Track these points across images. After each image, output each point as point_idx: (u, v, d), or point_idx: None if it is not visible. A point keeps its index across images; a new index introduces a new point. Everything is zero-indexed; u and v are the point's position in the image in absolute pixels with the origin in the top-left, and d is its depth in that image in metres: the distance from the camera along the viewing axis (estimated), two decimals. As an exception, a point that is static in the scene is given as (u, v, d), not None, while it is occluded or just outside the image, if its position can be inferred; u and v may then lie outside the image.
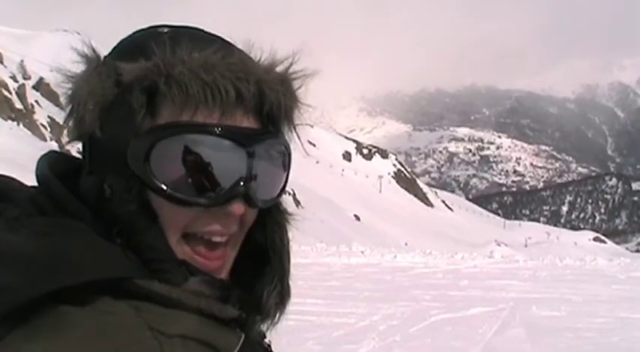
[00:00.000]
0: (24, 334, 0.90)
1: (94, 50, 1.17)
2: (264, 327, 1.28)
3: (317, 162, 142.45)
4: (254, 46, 1.19)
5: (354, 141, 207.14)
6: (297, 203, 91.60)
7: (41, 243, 0.97)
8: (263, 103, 1.14)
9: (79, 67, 1.16)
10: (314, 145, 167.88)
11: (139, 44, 1.15)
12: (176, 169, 1.09)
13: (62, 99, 1.17)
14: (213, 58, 1.10)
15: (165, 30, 1.17)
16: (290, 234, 1.32)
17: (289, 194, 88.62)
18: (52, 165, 1.18)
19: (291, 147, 1.23)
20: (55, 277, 0.92)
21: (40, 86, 73.20)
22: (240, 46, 1.19)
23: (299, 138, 1.23)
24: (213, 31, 1.22)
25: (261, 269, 1.27)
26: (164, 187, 1.08)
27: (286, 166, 1.23)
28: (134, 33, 1.21)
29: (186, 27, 1.20)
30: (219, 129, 1.09)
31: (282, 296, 1.28)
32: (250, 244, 1.26)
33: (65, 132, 1.17)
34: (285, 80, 1.18)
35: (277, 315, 1.28)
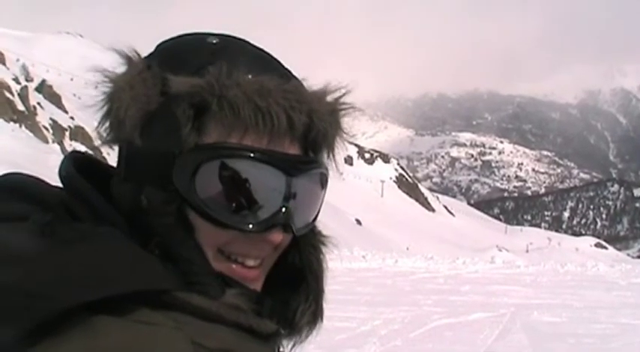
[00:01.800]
0: (57, 342, 0.88)
1: (137, 53, 1.15)
2: (290, 344, 1.28)
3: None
4: (306, 78, 1.19)
5: (356, 145, 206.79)
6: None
7: (78, 251, 0.95)
8: (310, 131, 1.14)
9: (118, 69, 1.14)
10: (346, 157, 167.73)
11: (190, 54, 1.13)
12: (221, 191, 1.08)
13: (96, 98, 1.13)
14: (270, 83, 1.09)
15: (215, 41, 1.15)
16: (327, 257, 1.34)
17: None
18: (79, 166, 1.17)
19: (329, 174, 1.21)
20: (94, 287, 0.91)
21: (43, 88, 73.32)
22: (292, 71, 1.19)
23: (336, 165, 1.23)
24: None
25: (296, 287, 1.28)
26: (206, 208, 1.07)
27: (323, 193, 1.24)
28: (179, 38, 1.19)
29: (234, 38, 1.19)
30: (267, 154, 1.08)
31: (315, 316, 1.29)
32: (285, 263, 1.25)
33: (95, 134, 1.13)
34: (334, 111, 1.18)
35: (306, 334, 1.28)
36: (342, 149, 1.23)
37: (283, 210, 1.12)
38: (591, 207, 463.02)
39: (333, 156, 1.23)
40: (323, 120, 1.15)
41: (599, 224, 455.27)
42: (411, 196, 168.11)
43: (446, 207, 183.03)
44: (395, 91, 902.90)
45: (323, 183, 1.22)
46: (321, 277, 1.32)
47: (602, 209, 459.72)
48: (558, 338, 12.01)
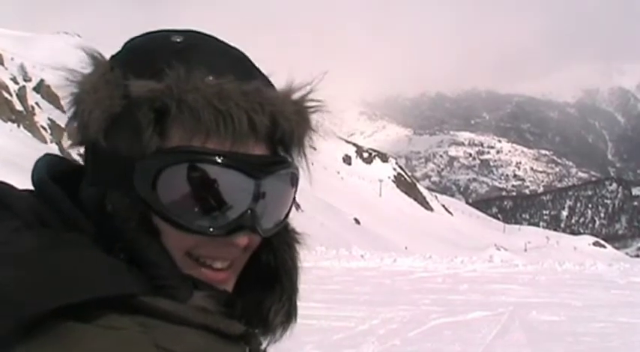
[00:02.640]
0: (27, 349, 0.89)
1: (101, 54, 1.14)
2: (264, 342, 1.27)
3: (317, 166, 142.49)
4: (273, 73, 1.18)
5: (355, 144, 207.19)
6: (297, 206, 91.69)
7: (45, 257, 0.95)
8: (276, 132, 1.13)
9: (84, 69, 1.13)
10: (314, 149, 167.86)
11: (151, 56, 1.11)
12: (183, 196, 1.07)
13: (63, 101, 1.13)
14: (229, 86, 1.07)
15: (179, 39, 1.13)
16: (301, 254, 1.31)
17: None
18: (50, 169, 1.16)
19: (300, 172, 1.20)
20: (61, 293, 0.91)
21: (41, 88, 73.44)
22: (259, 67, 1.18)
23: (307, 163, 1.22)
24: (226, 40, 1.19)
25: (269, 286, 1.27)
26: (169, 213, 1.06)
27: (294, 191, 1.22)
28: (144, 37, 1.18)
29: (200, 35, 1.18)
30: (230, 158, 1.07)
31: (289, 315, 1.28)
32: (259, 262, 1.24)
33: (66, 134, 1.10)
34: (300, 110, 1.16)
35: (280, 333, 1.28)
36: (315, 145, 1.22)
37: (249, 212, 1.10)
38: (589, 205, 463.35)
39: (304, 154, 1.21)
40: (288, 120, 1.13)
41: (597, 223, 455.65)
42: (409, 195, 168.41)
43: (444, 207, 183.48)
44: (393, 90, 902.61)
45: (293, 182, 1.21)
46: (295, 276, 1.29)
47: (600, 208, 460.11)
48: (557, 337, 12.02)
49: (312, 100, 1.19)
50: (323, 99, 1.18)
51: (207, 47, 1.14)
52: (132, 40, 1.17)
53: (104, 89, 1.08)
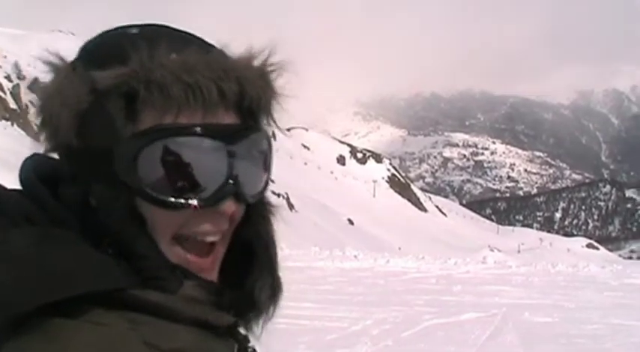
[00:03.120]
0: (14, 347, 0.90)
1: (61, 58, 1.15)
2: (259, 324, 1.26)
3: (311, 166, 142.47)
4: (228, 45, 1.18)
5: (349, 145, 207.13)
6: (291, 207, 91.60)
7: (32, 254, 0.95)
8: (243, 99, 1.14)
9: (47, 77, 1.13)
10: (308, 149, 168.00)
11: (111, 48, 1.12)
12: (165, 173, 1.08)
13: (34, 115, 1.12)
14: (192, 58, 1.09)
15: (135, 31, 1.15)
16: (275, 226, 1.30)
17: (283, 197, 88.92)
18: (38, 168, 1.16)
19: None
20: (48, 289, 0.91)
21: (35, 86, 73.21)
22: (214, 44, 1.19)
23: (275, 130, 1.23)
24: (186, 29, 1.21)
25: (249, 266, 1.26)
26: (154, 193, 1.07)
27: (268, 159, 1.22)
28: (100, 35, 1.18)
29: (154, 25, 1.19)
30: (205, 129, 1.09)
31: (274, 288, 1.27)
32: (236, 240, 1.24)
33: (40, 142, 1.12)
34: (263, 74, 1.17)
35: (271, 309, 1.27)
36: (280, 112, 1.22)
37: (230, 180, 1.12)
38: (583, 207, 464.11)
39: (273, 120, 1.22)
40: (254, 85, 1.14)
41: (590, 225, 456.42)
42: (403, 196, 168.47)
43: (438, 208, 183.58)
44: (388, 91, 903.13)
45: (266, 147, 1.21)
46: (272, 247, 1.29)
47: (593, 210, 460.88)
48: (550, 339, 12.03)
49: (273, 64, 1.19)
50: (283, 60, 1.19)
51: (163, 32, 1.15)
52: (88, 41, 1.17)
53: (68, 89, 1.08)
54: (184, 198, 1.09)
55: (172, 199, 1.08)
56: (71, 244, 1.01)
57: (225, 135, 1.10)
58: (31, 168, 1.16)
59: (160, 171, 1.07)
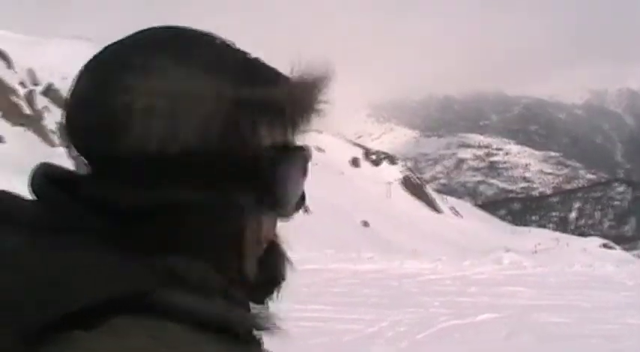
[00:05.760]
0: None
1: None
2: (278, 294, 1.25)
3: (325, 168, 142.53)
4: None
5: (363, 147, 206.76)
6: (306, 209, 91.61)
7: (55, 263, 0.92)
8: None
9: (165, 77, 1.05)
10: (322, 151, 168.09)
11: (261, 68, 1.14)
12: (293, 185, 1.14)
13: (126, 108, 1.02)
14: (320, 84, 1.13)
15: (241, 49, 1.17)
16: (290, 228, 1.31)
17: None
18: (49, 175, 1.11)
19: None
20: (60, 301, 0.87)
21: (49, 92, 73.63)
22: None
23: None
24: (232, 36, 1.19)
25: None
26: (285, 202, 1.13)
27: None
28: (236, 50, 1.15)
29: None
30: (307, 149, 1.17)
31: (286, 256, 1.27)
32: None
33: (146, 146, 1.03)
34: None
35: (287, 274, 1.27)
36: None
37: (303, 195, 1.20)
38: (598, 207, 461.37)
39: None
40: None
41: (606, 224, 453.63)
42: (417, 198, 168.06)
43: (453, 209, 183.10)
44: (401, 93, 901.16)
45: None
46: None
47: (609, 209, 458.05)
48: (566, 339, 12.00)
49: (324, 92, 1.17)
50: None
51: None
52: (225, 53, 1.13)
53: (209, 97, 1.06)
54: (298, 207, 1.18)
55: (294, 208, 1.17)
56: (94, 249, 0.96)
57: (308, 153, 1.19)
58: (45, 178, 1.10)
59: (293, 182, 1.14)
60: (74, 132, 1.06)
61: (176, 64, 1.05)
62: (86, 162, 1.07)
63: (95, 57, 1.09)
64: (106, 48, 1.09)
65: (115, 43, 1.10)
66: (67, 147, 1.08)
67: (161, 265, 0.98)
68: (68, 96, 1.08)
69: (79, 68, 1.07)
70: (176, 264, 0.99)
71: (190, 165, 1.05)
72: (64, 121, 1.08)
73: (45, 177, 1.10)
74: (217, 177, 1.07)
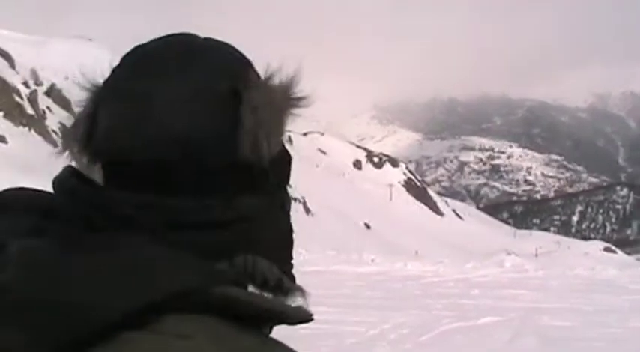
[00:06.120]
0: None
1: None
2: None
3: (328, 170, 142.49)
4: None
5: (365, 149, 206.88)
6: (308, 211, 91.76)
7: (104, 262, 0.87)
8: None
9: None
10: (325, 153, 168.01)
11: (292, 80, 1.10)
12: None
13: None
14: (289, 86, 1.12)
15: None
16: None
17: (300, 202, 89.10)
18: (79, 178, 1.07)
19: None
20: (122, 298, 0.83)
21: (52, 92, 73.56)
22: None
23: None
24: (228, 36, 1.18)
25: None
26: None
27: None
28: (239, 55, 1.13)
29: None
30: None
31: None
32: None
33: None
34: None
35: None
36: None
37: None
38: (600, 211, 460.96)
39: None
40: None
41: (608, 228, 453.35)
42: (419, 200, 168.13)
43: (455, 211, 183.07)
44: (404, 95, 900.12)
45: None
46: None
47: (611, 213, 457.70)
48: (568, 342, 12.02)
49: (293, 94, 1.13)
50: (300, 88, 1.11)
51: None
52: (230, 53, 1.12)
53: (283, 107, 1.08)
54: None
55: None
56: (148, 247, 0.92)
57: None
58: (75, 178, 1.07)
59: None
60: (144, 143, 0.99)
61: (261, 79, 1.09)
62: (112, 168, 1.04)
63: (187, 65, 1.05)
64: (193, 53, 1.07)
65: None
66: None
67: (235, 263, 0.98)
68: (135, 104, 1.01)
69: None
70: (246, 263, 0.99)
71: (267, 173, 1.06)
72: (121, 131, 1.02)
73: (77, 178, 1.06)
74: (273, 182, 1.09)
